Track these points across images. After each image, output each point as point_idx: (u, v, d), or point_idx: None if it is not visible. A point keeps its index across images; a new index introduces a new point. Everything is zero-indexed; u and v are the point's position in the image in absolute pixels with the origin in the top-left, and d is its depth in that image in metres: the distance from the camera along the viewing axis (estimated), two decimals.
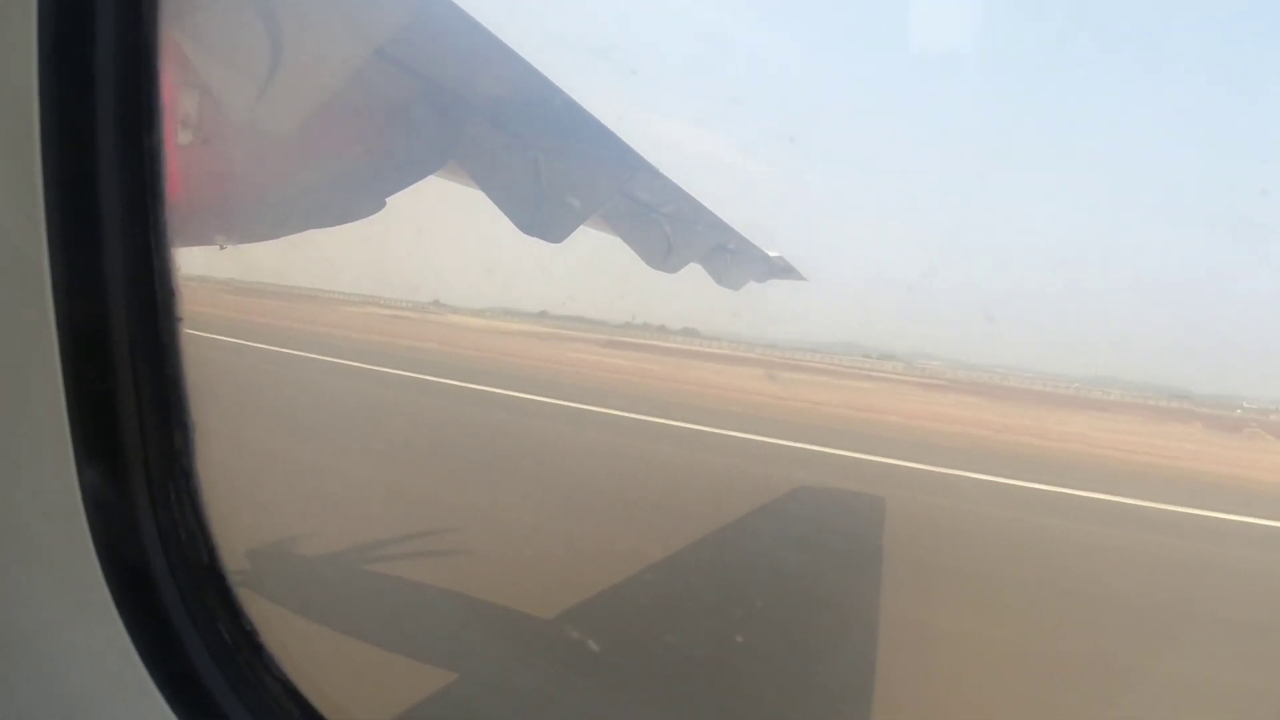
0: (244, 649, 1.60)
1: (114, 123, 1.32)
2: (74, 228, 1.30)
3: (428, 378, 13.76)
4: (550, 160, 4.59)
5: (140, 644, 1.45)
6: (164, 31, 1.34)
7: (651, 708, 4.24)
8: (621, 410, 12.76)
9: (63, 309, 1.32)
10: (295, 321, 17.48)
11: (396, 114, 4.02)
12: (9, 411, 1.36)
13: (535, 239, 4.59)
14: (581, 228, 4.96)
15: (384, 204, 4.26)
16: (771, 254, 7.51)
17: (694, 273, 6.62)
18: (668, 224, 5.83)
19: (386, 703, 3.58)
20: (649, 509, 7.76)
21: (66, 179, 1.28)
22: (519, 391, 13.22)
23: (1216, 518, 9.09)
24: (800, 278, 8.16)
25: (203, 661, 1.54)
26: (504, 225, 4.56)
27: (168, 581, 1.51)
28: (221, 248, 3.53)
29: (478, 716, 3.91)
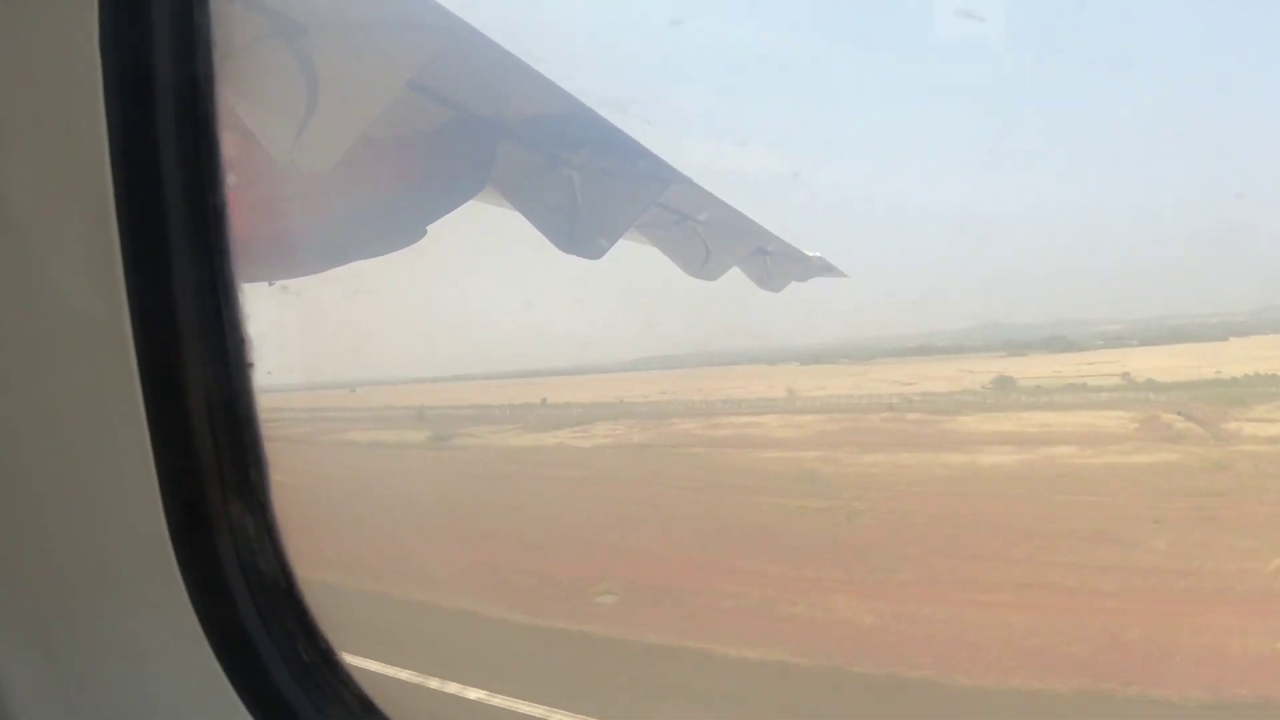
0: (322, 667, 1.70)
1: (182, 195, 1.43)
2: (150, 289, 1.42)
3: None
4: (584, 177, 4.65)
5: (227, 666, 1.56)
6: (221, 93, 1.44)
7: None
8: None
9: (144, 358, 1.43)
10: None
11: (431, 143, 4.12)
12: (100, 455, 1.48)
13: None
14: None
15: (424, 232, 4.36)
16: (810, 254, 7.51)
17: None
18: (704, 231, 5.85)
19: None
20: None
21: (140, 246, 1.40)
22: None
23: None
24: (841, 274, 8.15)
25: (285, 681, 1.65)
26: None
27: (249, 608, 1.62)
28: (270, 284, 3.65)
29: None
